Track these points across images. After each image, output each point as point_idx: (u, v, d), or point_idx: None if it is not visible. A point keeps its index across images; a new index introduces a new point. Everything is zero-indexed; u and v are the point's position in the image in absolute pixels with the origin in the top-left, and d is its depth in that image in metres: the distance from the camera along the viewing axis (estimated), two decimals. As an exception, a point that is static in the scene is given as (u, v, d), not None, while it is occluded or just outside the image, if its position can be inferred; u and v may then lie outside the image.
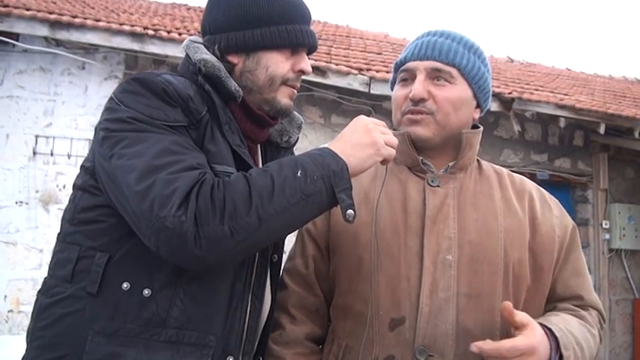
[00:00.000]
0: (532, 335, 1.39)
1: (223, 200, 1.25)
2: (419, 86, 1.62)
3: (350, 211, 1.37)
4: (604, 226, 7.51)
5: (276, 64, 1.55)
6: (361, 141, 1.45)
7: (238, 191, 1.27)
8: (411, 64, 1.68)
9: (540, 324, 1.47)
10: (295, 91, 1.61)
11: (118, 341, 1.33)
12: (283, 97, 1.59)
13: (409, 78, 1.68)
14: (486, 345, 1.38)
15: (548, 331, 1.46)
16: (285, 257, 1.74)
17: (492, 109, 6.53)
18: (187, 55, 1.57)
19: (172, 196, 1.22)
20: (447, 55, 1.64)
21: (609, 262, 7.55)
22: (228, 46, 1.54)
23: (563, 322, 1.54)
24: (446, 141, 1.67)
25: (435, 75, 1.64)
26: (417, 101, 1.62)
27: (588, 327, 1.60)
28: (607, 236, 7.52)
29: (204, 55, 1.52)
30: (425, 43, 1.68)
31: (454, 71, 1.64)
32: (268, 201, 1.28)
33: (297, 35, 1.55)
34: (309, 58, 1.63)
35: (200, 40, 1.60)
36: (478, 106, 1.73)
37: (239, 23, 1.54)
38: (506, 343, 1.38)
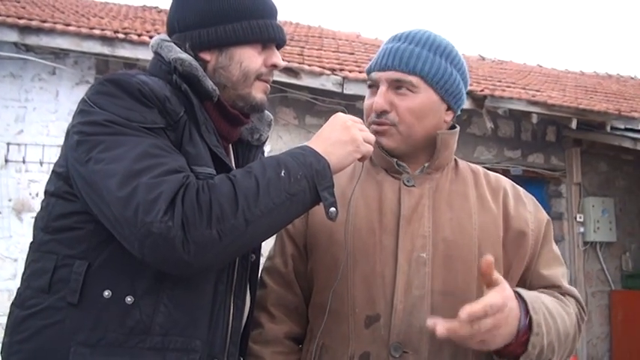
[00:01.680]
0: (502, 291, 1.35)
1: (209, 203, 1.24)
2: (379, 99, 1.63)
3: (332, 209, 1.38)
4: (578, 219, 7.58)
5: (249, 58, 1.54)
6: (340, 138, 1.45)
7: (224, 194, 1.26)
8: (374, 75, 1.68)
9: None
10: (268, 86, 1.61)
11: (102, 351, 1.30)
12: (258, 93, 1.58)
13: (374, 87, 1.68)
14: (475, 308, 1.30)
15: (517, 295, 1.44)
16: (262, 257, 1.74)
17: (465, 106, 6.55)
18: (159, 54, 1.53)
19: (157, 201, 1.20)
20: (408, 64, 1.62)
21: (584, 254, 7.63)
22: (201, 43, 1.52)
23: (534, 293, 1.53)
24: (415, 147, 1.67)
25: (396, 85, 1.63)
26: (380, 113, 1.63)
27: (563, 305, 1.59)
28: (581, 229, 7.59)
29: (180, 54, 1.49)
30: (388, 50, 1.67)
31: (415, 79, 1.62)
32: (254, 202, 1.27)
33: (268, 30, 1.55)
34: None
35: (169, 38, 1.57)
36: (450, 108, 1.71)
37: (210, 19, 1.52)
38: (488, 301, 1.31)
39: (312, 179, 1.35)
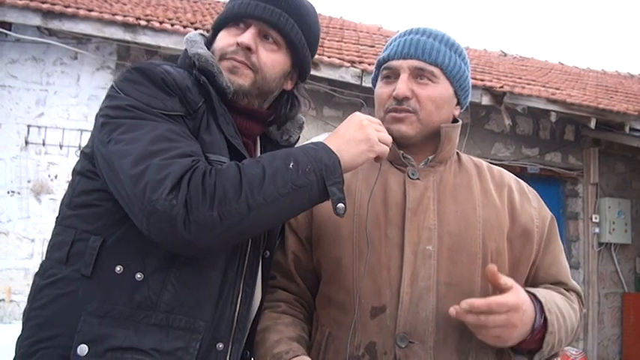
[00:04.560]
0: (517, 294, 1.45)
1: (214, 187, 1.28)
2: (402, 85, 1.66)
3: (340, 205, 1.40)
4: (594, 220, 7.56)
5: (218, 41, 1.61)
6: (355, 137, 1.48)
7: (229, 179, 1.30)
8: (394, 63, 1.71)
9: (524, 290, 1.52)
10: (233, 63, 1.55)
11: (109, 322, 1.35)
12: (223, 72, 1.55)
13: (392, 76, 1.72)
14: (477, 301, 1.43)
15: (532, 296, 1.52)
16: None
17: (483, 102, 6.55)
18: (186, 48, 1.61)
19: (164, 180, 1.25)
20: (430, 55, 1.68)
21: (599, 255, 7.61)
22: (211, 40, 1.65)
23: (546, 292, 1.60)
24: (426, 137, 1.71)
25: (418, 74, 1.68)
26: (401, 100, 1.66)
27: (569, 302, 1.67)
28: (597, 230, 7.58)
29: (199, 49, 1.56)
30: (408, 41, 1.71)
31: (437, 70, 1.69)
32: (258, 190, 1.31)
33: (232, 8, 1.60)
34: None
35: (198, 35, 1.65)
36: (458, 103, 1.77)
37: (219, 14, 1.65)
38: (496, 299, 1.43)
39: (320, 173, 1.38)
